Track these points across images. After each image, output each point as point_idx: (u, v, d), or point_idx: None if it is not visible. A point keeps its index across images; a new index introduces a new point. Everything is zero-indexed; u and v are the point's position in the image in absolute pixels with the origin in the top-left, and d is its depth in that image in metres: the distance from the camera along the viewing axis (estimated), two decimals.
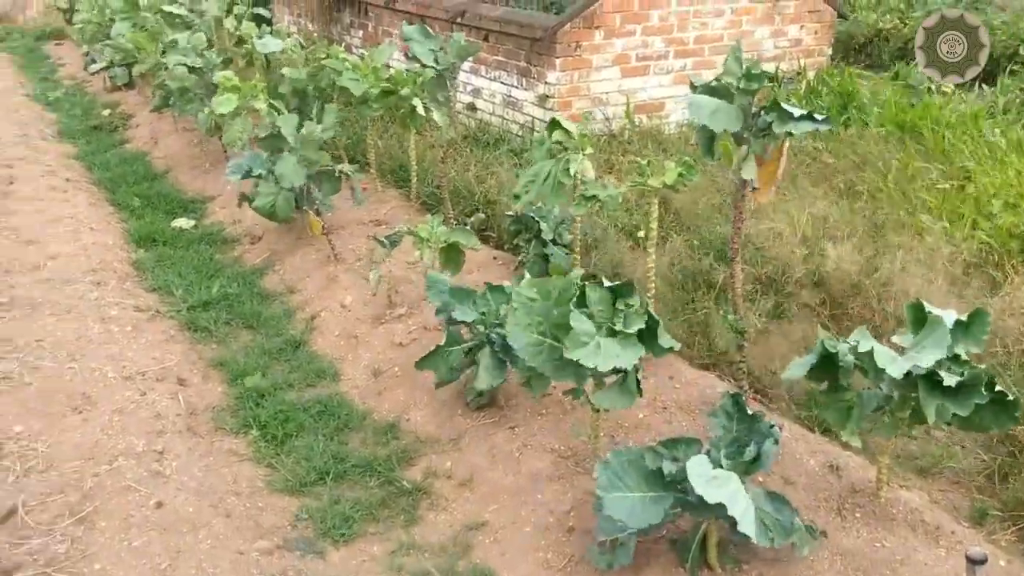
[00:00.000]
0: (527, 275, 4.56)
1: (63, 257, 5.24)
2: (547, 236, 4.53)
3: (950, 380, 2.47)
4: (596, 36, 6.10)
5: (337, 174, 5.00)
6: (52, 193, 6.49)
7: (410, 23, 7.63)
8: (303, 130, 4.67)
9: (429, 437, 3.64)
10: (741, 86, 2.88)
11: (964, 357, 2.56)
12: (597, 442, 3.23)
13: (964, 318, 2.61)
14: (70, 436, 3.49)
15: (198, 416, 3.82)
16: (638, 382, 2.79)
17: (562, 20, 5.96)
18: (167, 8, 8.10)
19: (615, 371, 2.83)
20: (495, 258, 5.00)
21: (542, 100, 6.25)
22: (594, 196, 3.60)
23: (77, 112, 9.54)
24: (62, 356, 4.08)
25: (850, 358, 2.59)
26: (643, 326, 2.70)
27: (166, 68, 7.22)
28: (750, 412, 2.75)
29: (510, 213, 4.72)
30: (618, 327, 2.68)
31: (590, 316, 2.73)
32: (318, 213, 5.04)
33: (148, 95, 9.35)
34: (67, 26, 14.11)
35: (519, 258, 4.75)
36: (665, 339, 2.73)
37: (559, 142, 3.81)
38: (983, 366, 2.78)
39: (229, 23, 7.86)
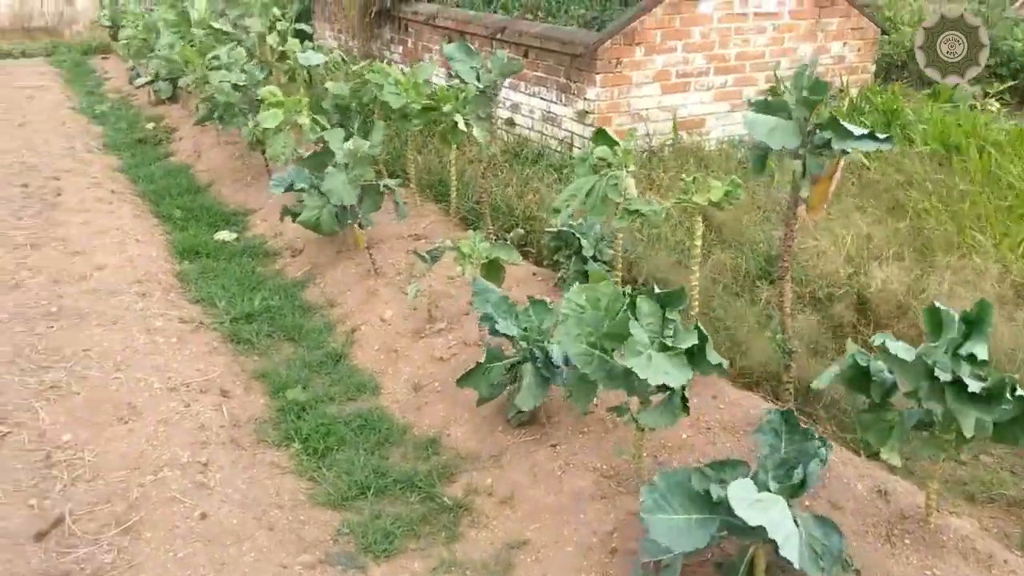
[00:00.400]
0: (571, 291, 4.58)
1: (109, 268, 5.33)
2: (587, 252, 4.52)
3: (975, 386, 2.43)
4: (637, 52, 6.10)
5: (380, 189, 5.03)
6: (98, 205, 6.61)
7: (450, 39, 7.71)
8: (351, 146, 4.71)
9: (470, 453, 3.63)
10: (802, 97, 2.84)
11: (981, 356, 2.50)
12: (640, 462, 3.20)
13: (970, 311, 2.56)
14: (116, 446, 3.54)
15: (241, 428, 3.85)
16: (685, 401, 2.76)
17: (603, 37, 5.96)
18: (215, 24, 8.25)
19: (662, 388, 2.80)
20: (534, 274, 4.99)
21: (581, 116, 6.25)
22: (637, 211, 3.58)
23: (122, 125, 9.72)
24: (108, 366, 4.14)
25: (881, 367, 2.55)
26: (693, 342, 2.67)
27: (212, 82, 7.35)
28: (802, 428, 2.72)
29: (550, 229, 4.72)
30: (668, 342, 2.66)
31: (640, 325, 2.71)
32: (361, 227, 5.07)
33: (191, 109, 9.52)
34: (112, 41, 14.42)
35: (559, 274, 4.75)
36: (714, 356, 2.70)
37: (602, 158, 3.81)
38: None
39: (272, 39, 7.97)
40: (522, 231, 5.26)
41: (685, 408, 2.76)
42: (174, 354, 4.33)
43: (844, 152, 2.92)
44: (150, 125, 9.57)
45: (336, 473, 3.55)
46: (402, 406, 4.05)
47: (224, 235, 6.23)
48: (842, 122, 2.93)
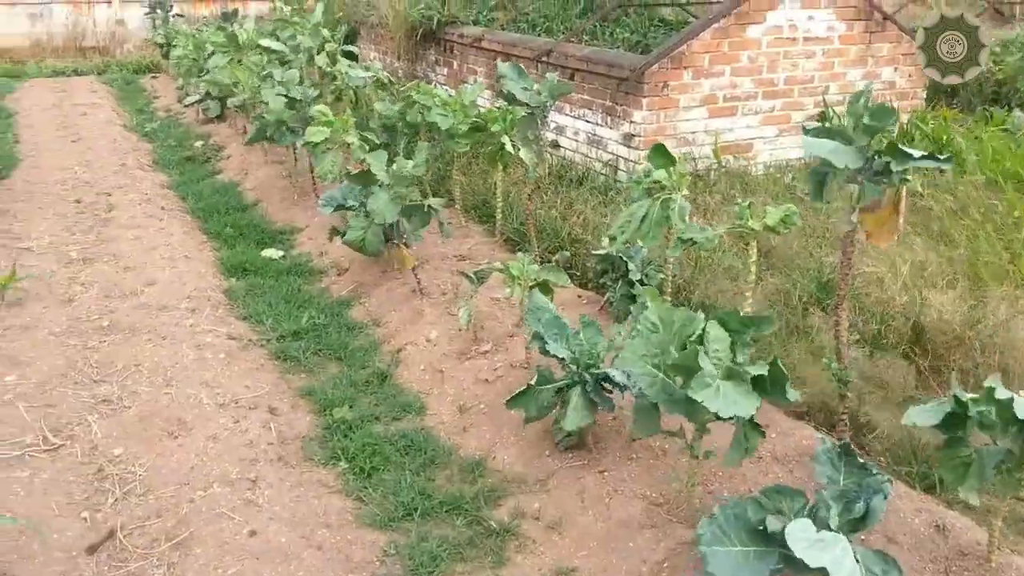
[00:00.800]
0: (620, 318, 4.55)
1: (160, 284, 5.40)
2: (635, 276, 4.50)
3: None
4: (684, 76, 6.09)
5: (426, 209, 5.06)
6: (149, 221, 6.72)
7: (495, 61, 7.76)
8: (395, 166, 4.75)
9: (516, 477, 3.60)
10: (863, 123, 2.81)
11: None
12: (693, 491, 3.15)
13: None
14: (167, 461, 3.57)
15: (288, 445, 3.86)
16: (757, 427, 2.73)
17: (650, 60, 5.96)
18: (264, 43, 8.38)
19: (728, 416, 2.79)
20: (580, 296, 4.97)
21: (627, 139, 6.24)
22: (691, 239, 3.55)
23: (171, 143, 9.90)
24: (159, 381, 4.19)
25: (981, 409, 2.49)
26: (764, 372, 2.64)
27: (263, 102, 7.47)
28: (861, 462, 2.66)
29: (597, 252, 4.70)
30: (739, 371, 2.63)
31: (707, 354, 2.68)
32: (407, 247, 5.10)
33: (239, 127, 9.68)
34: (163, 60, 14.73)
35: (605, 297, 4.73)
36: (791, 393, 2.67)
37: (657, 181, 3.79)
38: None
39: (321, 59, 8.08)
40: (567, 253, 5.25)
41: (760, 433, 2.73)
42: (223, 370, 4.37)
43: (904, 180, 2.87)
44: (198, 143, 9.73)
45: (382, 493, 3.54)
46: (448, 427, 4.04)
47: (271, 253, 6.30)
48: (901, 144, 2.89)
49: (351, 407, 4.19)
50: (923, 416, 2.57)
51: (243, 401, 4.09)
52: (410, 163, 4.75)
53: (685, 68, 6.08)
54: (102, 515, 3.23)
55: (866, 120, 2.79)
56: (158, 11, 13.98)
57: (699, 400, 2.62)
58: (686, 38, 6.01)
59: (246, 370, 4.46)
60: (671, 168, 3.79)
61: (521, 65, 5.03)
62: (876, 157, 2.84)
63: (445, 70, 8.91)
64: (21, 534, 3.02)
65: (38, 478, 3.41)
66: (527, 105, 4.75)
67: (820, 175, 3.07)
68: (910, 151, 2.81)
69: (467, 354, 4.51)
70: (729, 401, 2.64)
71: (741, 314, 2.79)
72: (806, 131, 3.08)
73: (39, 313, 4.94)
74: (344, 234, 5.48)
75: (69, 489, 3.36)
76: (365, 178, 4.92)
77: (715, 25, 6.06)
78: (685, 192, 3.85)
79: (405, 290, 5.31)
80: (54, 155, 9.02)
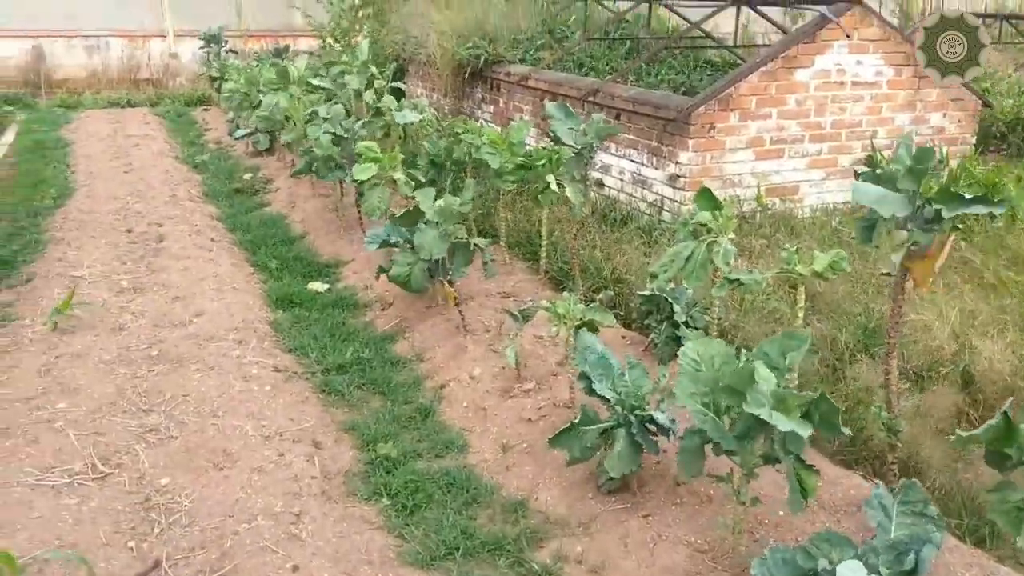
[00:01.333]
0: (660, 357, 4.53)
1: (208, 314, 5.49)
2: (680, 318, 4.48)
3: None
4: (731, 118, 6.10)
5: (471, 246, 5.10)
6: (198, 252, 6.84)
7: (542, 100, 7.84)
8: (441, 203, 4.80)
9: (559, 519, 3.58)
10: (909, 167, 2.79)
11: None
12: (738, 539, 3.10)
13: None
14: (212, 492, 3.60)
15: (331, 480, 3.88)
16: (809, 467, 2.69)
17: (697, 101, 5.98)
18: (314, 81, 8.57)
19: (768, 460, 2.76)
20: (623, 337, 4.95)
21: (672, 180, 6.25)
22: (738, 281, 3.53)
23: (221, 175, 10.10)
24: (205, 412, 4.25)
25: None
26: (813, 399, 2.62)
27: (310, 136, 7.62)
28: (919, 506, 2.61)
29: (642, 292, 4.69)
30: (789, 396, 2.61)
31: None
32: (451, 284, 5.13)
33: (287, 161, 9.86)
34: (215, 94, 15.10)
35: (649, 338, 4.71)
36: (841, 426, 2.64)
37: (703, 224, 3.79)
38: None
39: (368, 96, 8.24)
40: (611, 293, 5.24)
41: (812, 471, 2.69)
42: (268, 402, 4.41)
43: (955, 226, 2.84)
44: (247, 175, 9.92)
45: (424, 531, 3.53)
46: (490, 466, 4.04)
47: (317, 286, 6.38)
48: (951, 188, 2.87)
49: (394, 443, 4.20)
50: (970, 436, 2.53)
51: (288, 434, 4.12)
52: (457, 200, 4.79)
53: (732, 110, 6.09)
54: (148, 545, 3.26)
55: (909, 163, 2.78)
56: (212, 46, 14.34)
57: (756, 413, 2.59)
58: (733, 80, 6.03)
59: (291, 403, 4.50)
60: (718, 211, 3.79)
61: (568, 105, 5.08)
62: (926, 204, 2.81)
63: (491, 108, 9.01)
64: (69, 561, 3.06)
65: (86, 506, 3.46)
66: (573, 145, 4.78)
67: (869, 220, 3.05)
68: (961, 194, 2.79)
69: (510, 392, 4.51)
70: (784, 420, 2.62)
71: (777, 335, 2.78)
72: (857, 175, 3.07)
73: (91, 341, 5.04)
74: (387, 270, 5.54)
75: (116, 518, 3.40)
76: (412, 217, 4.98)
77: (763, 68, 6.07)
78: (731, 235, 3.84)
79: (449, 326, 5.33)
80: (108, 185, 9.25)
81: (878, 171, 2.96)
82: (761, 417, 2.56)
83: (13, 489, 3.51)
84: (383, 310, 5.92)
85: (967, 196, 2.79)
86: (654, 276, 3.91)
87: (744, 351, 2.94)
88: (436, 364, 5.03)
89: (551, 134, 4.82)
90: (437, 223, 4.75)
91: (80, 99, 15.80)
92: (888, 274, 3.08)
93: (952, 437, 2.62)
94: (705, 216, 3.76)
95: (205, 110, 15.13)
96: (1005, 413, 2.51)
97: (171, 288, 5.96)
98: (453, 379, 4.78)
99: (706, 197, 3.76)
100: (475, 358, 4.91)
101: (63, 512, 3.38)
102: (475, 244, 5.07)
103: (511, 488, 3.85)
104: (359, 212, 7.16)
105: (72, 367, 4.67)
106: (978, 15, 8.65)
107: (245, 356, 4.93)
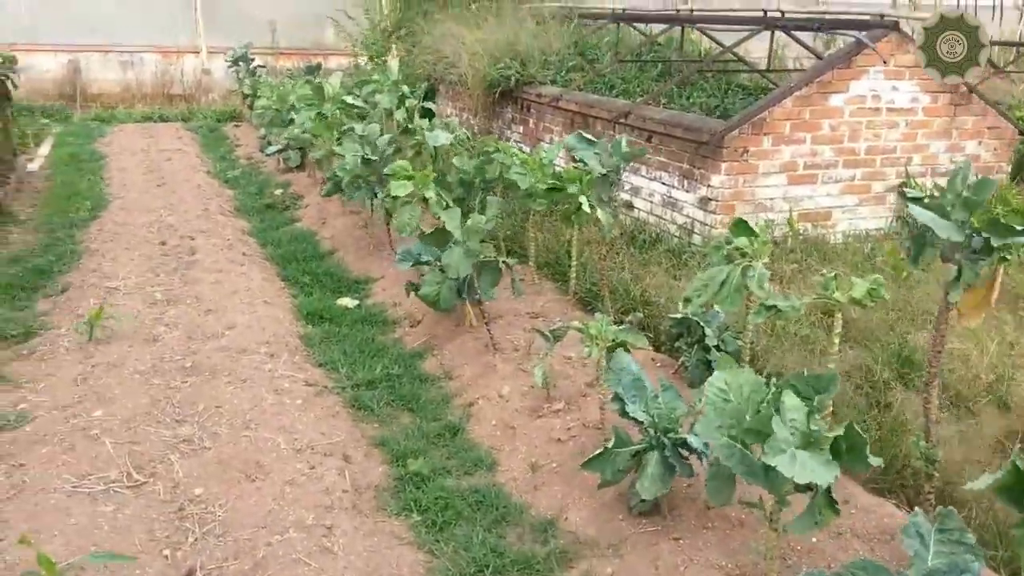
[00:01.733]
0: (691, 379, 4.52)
1: (239, 327, 5.54)
2: (711, 342, 4.47)
3: None
4: (764, 142, 6.10)
5: (499, 266, 5.12)
6: (230, 266, 6.92)
7: (572, 121, 7.89)
8: (469, 221, 4.84)
9: (588, 540, 3.56)
10: (962, 197, 2.78)
11: None
12: (771, 564, 3.08)
13: None
14: (245, 503, 3.63)
15: (362, 494, 3.89)
16: (832, 503, 2.66)
17: (730, 125, 5.99)
18: (347, 99, 8.66)
19: (801, 488, 2.72)
20: (653, 359, 4.95)
21: (703, 203, 6.25)
22: (775, 307, 3.53)
23: (252, 190, 10.21)
24: (238, 424, 4.28)
25: None
26: (840, 434, 2.60)
27: (340, 156, 7.70)
28: (958, 534, 2.58)
29: (674, 315, 4.69)
30: (816, 436, 2.59)
31: (783, 421, 2.64)
32: (479, 303, 5.15)
33: (318, 178, 9.95)
34: (246, 110, 15.31)
35: (679, 361, 4.70)
36: (873, 459, 2.61)
37: (738, 248, 3.79)
38: None
39: (399, 115, 8.32)
40: (640, 315, 5.24)
41: (834, 510, 2.66)
42: (300, 416, 4.44)
43: (1004, 258, 2.82)
44: (278, 191, 10.02)
45: (454, 548, 3.53)
46: (519, 485, 4.03)
47: (346, 302, 6.42)
48: (1001, 218, 2.85)
49: (424, 459, 4.21)
50: (982, 482, 2.50)
51: (319, 447, 4.14)
52: (483, 218, 4.83)
53: (765, 134, 6.09)
54: (182, 554, 3.29)
55: (965, 194, 2.77)
56: (240, 64, 14.56)
57: (773, 465, 2.58)
58: (767, 104, 6.04)
59: (322, 417, 4.53)
60: (754, 238, 3.79)
61: (594, 127, 5.11)
62: (975, 235, 2.80)
63: (521, 128, 9.07)
64: (106, 567, 3.09)
65: (122, 513, 3.49)
66: (600, 170, 4.80)
67: (919, 243, 3.03)
68: (1011, 224, 2.76)
69: (539, 412, 4.51)
70: (806, 468, 2.59)
71: (806, 374, 2.75)
72: (907, 197, 3.06)
73: (126, 351, 5.10)
74: (417, 288, 5.58)
75: (151, 526, 3.43)
76: (441, 236, 5.01)
77: (797, 92, 6.08)
78: (766, 260, 3.83)
79: (478, 344, 5.35)
80: (141, 198, 9.39)
81: (928, 199, 2.95)
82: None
83: (50, 495, 3.56)
84: (412, 327, 5.95)
85: (1019, 227, 2.76)
86: (688, 300, 3.91)
87: (774, 380, 2.91)
88: (465, 382, 5.04)
89: (578, 160, 4.85)
90: (464, 241, 4.78)
91: (114, 113, 16.07)
92: (947, 309, 3.04)
93: (969, 484, 2.58)
94: (741, 241, 3.75)
95: (236, 126, 15.31)
96: (1014, 463, 2.48)
97: (204, 301, 6.02)
98: (482, 397, 4.79)
99: (742, 227, 3.76)
100: (504, 377, 4.92)
101: (99, 519, 3.42)
102: (503, 263, 5.09)
103: (540, 507, 3.84)
104: (388, 230, 7.22)
105: (108, 376, 4.72)
106: (1012, 43, 8.62)
107: (277, 369, 4.97)
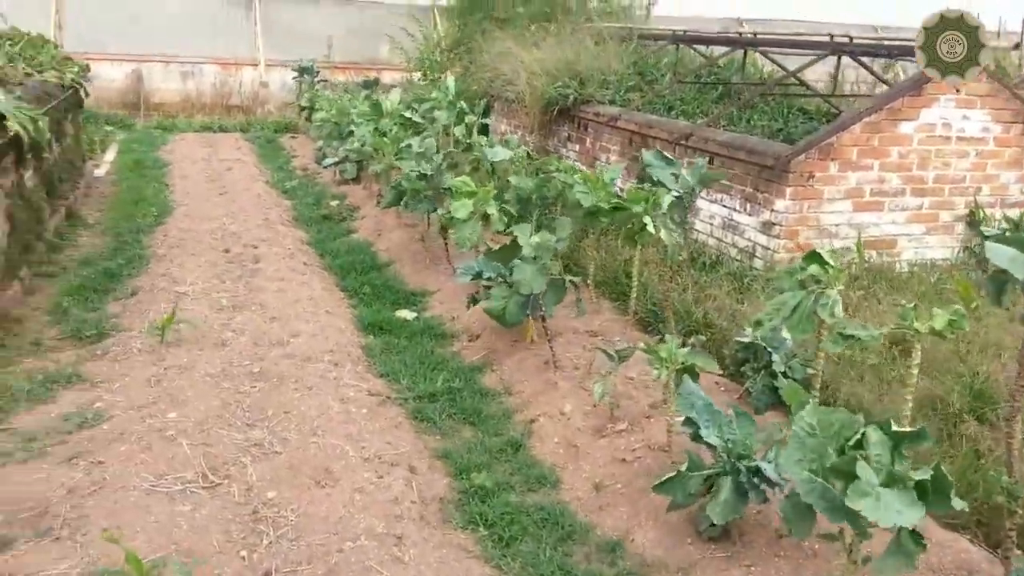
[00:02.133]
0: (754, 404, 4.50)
1: (303, 336, 5.63)
2: (778, 368, 4.45)
3: None
4: (831, 168, 6.07)
5: (564, 284, 5.15)
6: (292, 275, 7.03)
7: (631, 141, 7.92)
8: (537, 238, 4.88)
9: (656, 562, 3.56)
10: None
11: None
12: None
13: None
14: (316, 509, 3.68)
15: (427, 505, 3.93)
16: (919, 539, 2.64)
17: (797, 149, 5.98)
18: (405, 114, 8.80)
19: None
20: (717, 383, 4.93)
21: (766, 227, 6.23)
22: (853, 336, 3.51)
23: (309, 201, 10.37)
24: (306, 430, 4.35)
25: None
26: (926, 477, 2.57)
27: (398, 169, 7.82)
28: None
29: (741, 339, 4.68)
30: (901, 477, 2.56)
31: (866, 459, 2.63)
32: (543, 320, 5.19)
33: (373, 190, 10.08)
34: (302, 122, 15.58)
35: (744, 386, 4.68)
36: (956, 501, 2.58)
37: (812, 274, 3.77)
38: None
39: (459, 131, 8.42)
40: (703, 338, 5.23)
41: (920, 545, 2.63)
42: (365, 425, 4.50)
43: None
44: (334, 203, 10.17)
45: (521, 564, 3.55)
46: (583, 504, 4.04)
47: (404, 314, 6.50)
48: None
49: (488, 474, 4.24)
50: None
51: (386, 457, 4.19)
52: (553, 237, 4.87)
53: (832, 160, 6.06)
54: (258, 556, 3.35)
55: None
56: (305, 76, 14.83)
57: (859, 510, 2.55)
58: (836, 130, 6.01)
59: (386, 427, 4.59)
60: (827, 267, 3.77)
61: (665, 152, 5.13)
62: None
63: (577, 146, 9.12)
64: (186, 565, 3.15)
65: (199, 513, 3.56)
66: (676, 191, 4.82)
67: (999, 282, 3.01)
68: None
69: (602, 431, 4.51)
70: (890, 510, 2.56)
71: (895, 427, 2.72)
72: (986, 236, 3.03)
73: (196, 355, 5.21)
74: (478, 302, 5.64)
75: (227, 527, 3.50)
76: (509, 251, 5.06)
77: (866, 119, 6.04)
78: (840, 287, 3.81)
79: (537, 361, 5.37)
80: (203, 206, 9.59)
81: (1009, 233, 2.92)
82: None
83: (130, 493, 3.64)
84: (470, 341, 5.99)
85: None
86: (759, 324, 3.90)
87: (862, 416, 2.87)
88: (525, 398, 5.07)
89: (651, 178, 4.87)
90: (535, 258, 4.82)
91: (175, 122, 16.44)
92: None
93: None
94: (815, 268, 3.74)
95: (292, 137, 15.57)
96: None
97: (268, 308, 6.12)
98: (543, 414, 4.81)
99: (815, 259, 3.74)
100: (565, 395, 4.94)
101: (178, 518, 3.49)
102: (570, 281, 5.12)
103: (606, 527, 3.85)
104: (445, 244, 7.29)
105: (179, 379, 4.83)
106: None
107: (342, 378, 5.04)
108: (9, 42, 9.39)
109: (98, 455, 4.03)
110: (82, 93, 10.46)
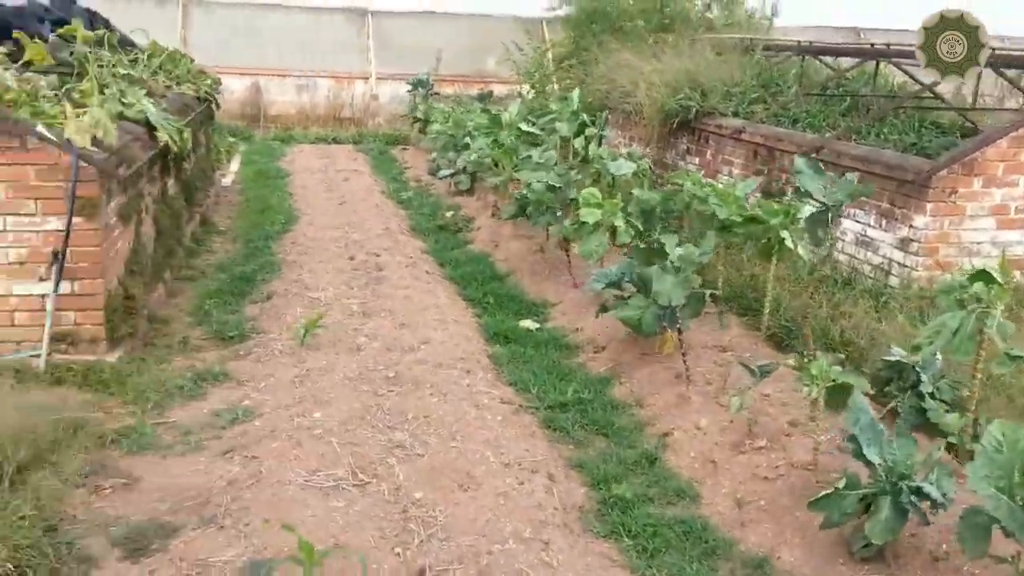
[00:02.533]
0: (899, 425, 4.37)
1: (434, 343, 5.74)
2: (926, 389, 4.30)
3: None
4: (974, 184, 5.86)
5: (703, 297, 5.12)
6: (416, 283, 7.19)
7: (756, 153, 7.81)
8: (682, 251, 4.86)
9: None
10: None
11: None
12: None
13: None
14: (462, 511, 3.75)
15: (568, 513, 3.96)
16: None
17: (939, 164, 5.79)
18: (523, 127, 8.90)
19: None
20: None
21: (904, 244, 6.05)
22: (1021, 356, 3.38)
23: (425, 212, 10.59)
24: (445, 434, 4.44)
25: None
26: None
27: (516, 182, 7.92)
28: None
29: (886, 359, 4.54)
30: None
31: None
32: (679, 332, 5.16)
33: (488, 201, 10.22)
34: (413, 134, 15.93)
35: (888, 406, 4.54)
36: None
37: (974, 293, 3.65)
38: None
39: (578, 143, 8.46)
40: (841, 356, 5.10)
41: None
42: (502, 432, 4.56)
43: None
44: (449, 213, 10.35)
45: None
46: (724, 519, 4.00)
47: (528, 324, 6.56)
48: None
49: (625, 485, 4.24)
50: None
51: (524, 464, 4.24)
52: (697, 250, 4.84)
53: (976, 175, 5.85)
54: (411, 553, 3.43)
55: None
56: (419, 89, 15.17)
57: None
58: (981, 144, 5.80)
59: (521, 434, 4.64)
60: (991, 283, 3.65)
61: (781, 161, 5.04)
62: None
63: (697, 159, 9.05)
64: (345, 558, 3.26)
65: (352, 509, 3.68)
66: (822, 203, 4.73)
67: None
68: None
69: (740, 447, 4.46)
70: None
71: None
72: None
73: (333, 359, 5.39)
74: (608, 311, 5.66)
75: (380, 524, 3.60)
76: (653, 255, 5.05)
77: (1014, 133, 5.81)
78: (1002, 307, 3.68)
79: (668, 374, 5.35)
80: (325, 215, 9.92)
81: None
82: None
83: (286, 487, 3.79)
84: (595, 353, 6.00)
85: None
86: (917, 348, 3.79)
87: None
88: (657, 411, 5.05)
89: (800, 188, 4.79)
90: (678, 269, 4.81)
91: (291, 134, 17.06)
92: None
93: None
94: (978, 286, 3.62)
95: (404, 149, 15.93)
96: None
97: (396, 315, 6.27)
98: (676, 428, 4.78)
99: (983, 276, 3.62)
100: (699, 409, 4.90)
101: (333, 513, 3.62)
102: (710, 295, 5.08)
103: (749, 544, 3.80)
104: (567, 256, 7.32)
105: (321, 380, 5.00)
106: None
107: (475, 385, 5.13)
108: (151, 56, 9.93)
109: (252, 450, 4.22)
110: (213, 105, 10.96)
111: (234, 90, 17.68)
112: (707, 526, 3.93)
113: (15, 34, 5.94)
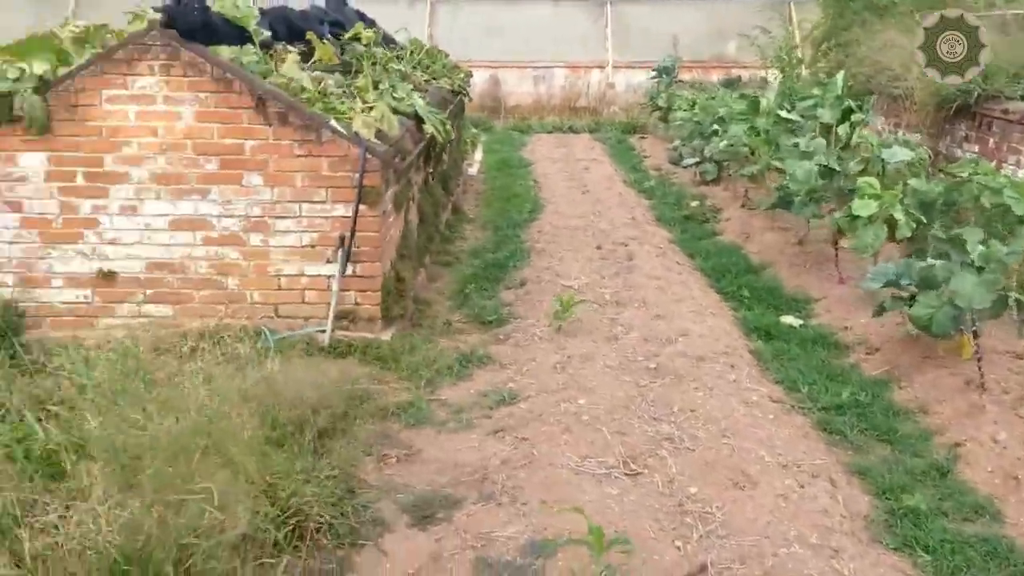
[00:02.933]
0: None
1: (692, 335, 5.60)
2: None
3: None
4: None
5: (1007, 301, 4.61)
6: (667, 274, 7.07)
7: None
8: (986, 249, 4.41)
9: None
10: None
11: None
12: None
13: None
14: (740, 509, 3.62)
15: (854, 522, 3.72)
16: None
17: None
18: (782, 114, 8.49)
19: None
20: None
21: None
22: None
23: (669, 201, 10.43)
24: (714, 430, 4.30)
25: None
26: None
27: (773, 171, 7.56)
28: None
29: None
30: None
31: None
32: (976, 336, 4.70)
33: (737, 191, 9.90)
34: (652, 121, 15.77)
35: None
36: None
37: None
38: None
39: (843, 130, 7.94)
40: None
41: None
42: (775, 431, 4.37)
43: None
44: (694, 203, 10.13)
45: None
46: None
47: (790, 320, 6.25)
48: None
49: (920, 496, 3.91)
50: None
51: (804, 467, 4.03)
52: (1005, 249, 4.37)
53: None
54: (691, 548, 3.35)
55: None
56: (663, 76, 14.99)
57: None
58: None
59: (794, 435, 4.42)
60: None
61: None
62: None
63: (976, 147, 8.22)
64: (627, 546, 3.23)
65: (626, 498, 3.66)
66: None
67: None
68: None
69: None
70: None
71: None
72: None
73: (591, 347, 5.40)
74: (886, 310, 5.27)
75: (655, 516, 3.55)
76: (948, 251, 4.64)
77: None
78: None
79: (955, 381, 4.88)
80: (568, 204, 10.04)
81: None
82: None
83: (559, 470, 3.84)
84: (868, 354, 5.61)
85: None
86: None
87: None
88: (944, 420, 4.62)
89: None
90: (981, 269, 4.36)
91: (529, 123, 17.46)
92: None
93: None
94: None
95: (641, 138, 15.82)
96: None
97: (650, 305, 6.19)
98: (969, 439, 4.36)
99: None
100: (995, 420, 4.43)
101: (608, 500, 3.61)
102: (1017, 299, 4.58)
103: None
104: (835, 249, 6.90)
105: (583, 368, 5.03)
106: None
107: (740, 381, 4.95)
108: (412, 53, 10.49)
109: (520, 432, 4.31)
110: (465, 98, 11.41)
111: (475, 83, 18.37)
112: (1014, 547, 3.55)
113: (308, 35, 6.45)
